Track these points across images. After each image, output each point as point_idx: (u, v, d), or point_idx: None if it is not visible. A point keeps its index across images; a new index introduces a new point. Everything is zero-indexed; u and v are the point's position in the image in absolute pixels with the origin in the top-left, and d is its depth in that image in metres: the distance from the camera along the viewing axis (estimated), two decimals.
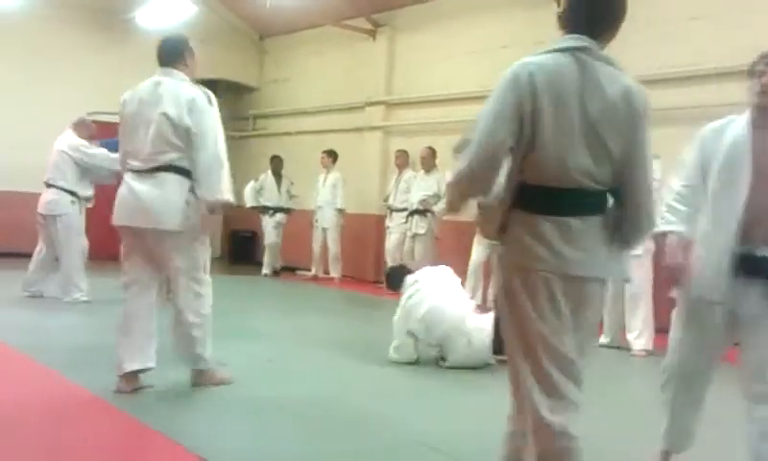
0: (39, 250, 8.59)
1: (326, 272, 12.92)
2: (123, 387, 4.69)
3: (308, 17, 13.55)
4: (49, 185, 8.44)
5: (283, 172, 13.37)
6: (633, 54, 9.55)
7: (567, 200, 2.60)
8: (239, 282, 12.37)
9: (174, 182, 4.66)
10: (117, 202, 4.80)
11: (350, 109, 13.16)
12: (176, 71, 4.87)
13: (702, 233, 3.42)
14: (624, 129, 2.59)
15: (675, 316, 3.63)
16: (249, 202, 13.19)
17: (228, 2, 14.96)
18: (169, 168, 4.66)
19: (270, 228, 13.25)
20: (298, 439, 4.16)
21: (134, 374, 4.75)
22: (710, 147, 3.45)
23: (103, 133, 8.98)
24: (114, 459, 3.84)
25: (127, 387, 4.70)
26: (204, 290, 4.93)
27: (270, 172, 13.33)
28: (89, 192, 8.58)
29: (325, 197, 12.62)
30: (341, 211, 12.51)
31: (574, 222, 2.60)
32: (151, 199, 4.63)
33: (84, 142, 8.50)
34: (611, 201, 2.67)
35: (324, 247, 12.80)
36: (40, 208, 8.46)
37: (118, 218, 4.78)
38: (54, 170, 8.41)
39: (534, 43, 10.53)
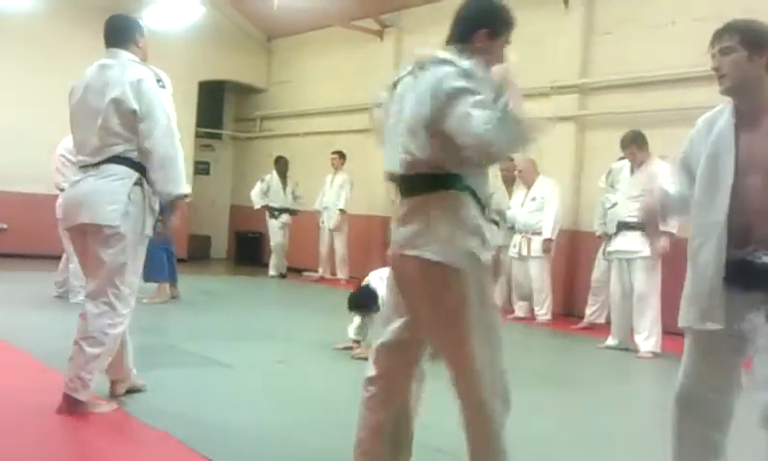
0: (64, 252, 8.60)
1: (333, 273, 12.92)
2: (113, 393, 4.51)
3: (315, 18, 13.54)
4: (61, 190, 8.44)
5: (288, 173, 13.37)
6: (645, 54, 9.58)
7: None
8: (245, 283, 12.39)
9: (117, 173, 4.18)
10: (60, 201, 4.45)
11: (358, 110, 13.13)
12: (124, 52, 4.37)
13: (690, 249, 3.00)
14: None
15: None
16: (256, 203, 13.21)
17: (235, 3, 14.96)
18: (114, 159, 4.19)
19: (275, 229, 13.26)
20: (311, 440, 4.14)
21: (113, 383, 4.54)
22: (698, 144, 3.03)
23: None
24: None
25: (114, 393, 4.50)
26: (119, 303, 4.23)
27: (275, 173, 13.33)
28: None
29: (332, 198, 12.64)
30: (343, 212, 12.51)
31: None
32: (89, 191, 4.18)
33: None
34: None
35: (331, 248, 12.82)
36: (57, 213, 8.48)
37: (62, 219, 4.41)
38: (58, 175, 8.41)
39: (535, 42, 10.53)
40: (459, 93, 2.75)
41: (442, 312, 2.91)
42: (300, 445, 4.05)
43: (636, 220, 7.04)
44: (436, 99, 2.79)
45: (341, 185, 12.54)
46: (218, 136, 16.63)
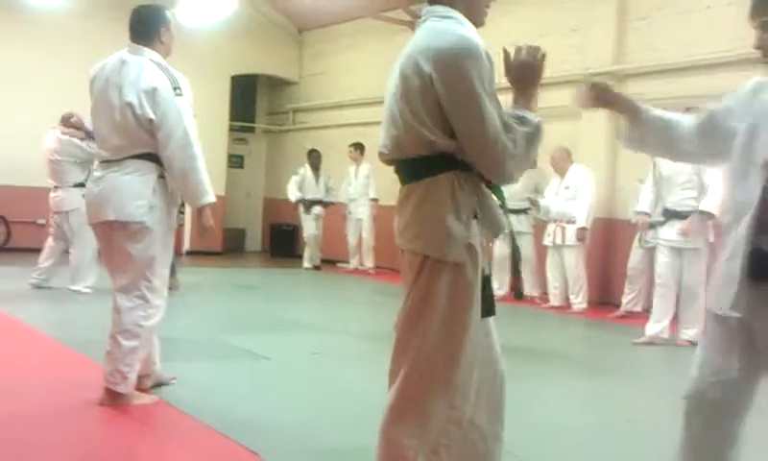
0: (50, 243, 8.74)
1: (362, 263, 13.02)
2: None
3: (346, 10, 13.55)
4: (56, 187, 8.62)
5: (321, 166, 13.41)
6: (680, 39, 9.48)
7: None
8: (280, 276, 12.46)
9: (139, 169, 4.14)
10: (86, 197, 4.42)
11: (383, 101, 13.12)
12: (146, 50, 4.24)
13: (723, 226, 2.77)
14: None
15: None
16: (292, 197, 13.28)
17: None
18: (136, 156, 4.15)
19: (309, 221, 13.32)
20: (348, 432, 4.14)
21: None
22: (737, 108, 2.73)
23: None
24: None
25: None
26: (152, 295, 4.24)
27: (308, 166, 13.38)
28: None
29: (358, 189, 12.71)
30: (374, 202, 12.55)
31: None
32: (113, 187, 4.14)
33: (74, 140, 8.47)
34: None
35: (360, 238, 12.91)
36: (52, 207, 8.64)
37: (88, 215, 4.37)
38: (52, 174, 8.58)
39: (570, 30, 10.45)
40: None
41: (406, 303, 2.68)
42: (337, 437, 4.06)
43: (685, 209, 7.00)
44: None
45: (366, 176, 12.58)
46: (251, 130, 16.71)
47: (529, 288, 9.87)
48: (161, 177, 4.21)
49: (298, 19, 15.61)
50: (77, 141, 8.45)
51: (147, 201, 4.14)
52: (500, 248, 9.74)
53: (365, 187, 12.63)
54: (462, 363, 2.58)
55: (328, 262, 13.53)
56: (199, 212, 4.34)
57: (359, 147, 12.73)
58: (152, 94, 4.09)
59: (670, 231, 7.31)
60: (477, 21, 2.70)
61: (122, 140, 4.16)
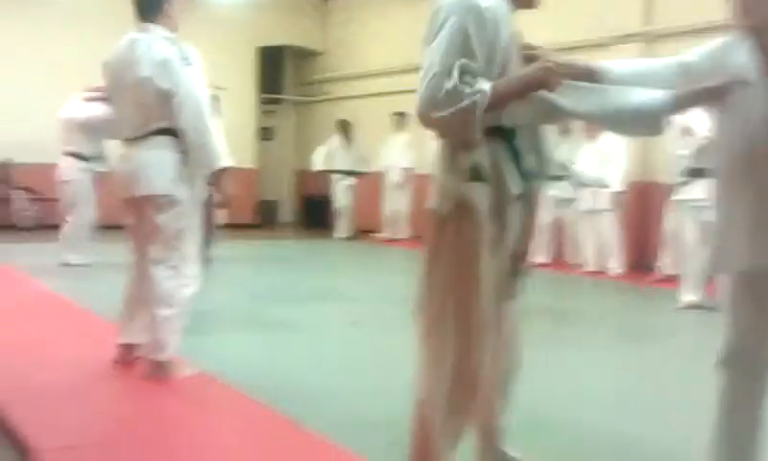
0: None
1: (397, 233, 12.97)
2: (119, 357, 4.55)
3: None
4: (62, 154, 8.78)
5: (352, 135, 13.37)
6: None
7: None
8: (314, 246, 12.49)
9: (162, 145, 4.29)
10: (116, 174, 4.56)
11: (416, 69, 13.02)
12: (153, 26, 4.36)
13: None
14: None
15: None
16: (318, 166, 13.28)
17: None
18: (156, 132, 4.29)
19: (341, 191, 13.32)
20: (390, 401, 4.14)
21: (129, 346, 4.56)
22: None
23: None
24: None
25: (123, 357, 4.55)
26: (184, 265, 4.38)
27: (338, 136, 13.34)
28: (100, 152, 8.73)
29: (395, 158, 12.62)
30: (409, 171, 12.50)
31: None
32: (141, 164, 4.29)
33: (84, 103, 8.43)
34: None
35: (396, 207, 12.86)
36: (60, 175, 8.83)
37: (118, 191, 4.50)
38: (61, 139, 8.72)
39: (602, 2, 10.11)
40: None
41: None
42: (376, 405, 4.07)
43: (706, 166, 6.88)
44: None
45: (403, 145, 12.51)
46: (279, 101, 16.70)
47: (543, 256, 9.87)
48: (182, 151, 4.31)
49: None
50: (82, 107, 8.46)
51: (172, 174, 4.29)
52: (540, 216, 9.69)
53: (403, 156, 12.55)
54: (467, 323, 2.56)
55: (361, 232, 13.54)
56: (216, 181, 4.50)
57: (401, 115, 12.63)
58: (163, 65, 4.22)
59: (693, 190, 7.18)
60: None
61: (141, 117, 4.29)
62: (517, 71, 2.57)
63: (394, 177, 12.77)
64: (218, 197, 4.62)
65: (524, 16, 2.64)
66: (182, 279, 4.36)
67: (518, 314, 2.86)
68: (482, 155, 2.54)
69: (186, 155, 4.33)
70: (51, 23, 12.77)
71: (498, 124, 2.55)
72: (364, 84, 14.72)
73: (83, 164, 8.71)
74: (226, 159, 4.43)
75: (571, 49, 10.21)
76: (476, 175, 2.53)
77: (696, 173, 7.16)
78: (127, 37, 4.40)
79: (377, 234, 13.29)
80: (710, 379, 2.70)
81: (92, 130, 8.35)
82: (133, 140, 4.35)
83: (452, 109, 2.40)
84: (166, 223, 4.30)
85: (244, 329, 5.95)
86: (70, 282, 7.53)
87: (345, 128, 13.38)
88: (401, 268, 10.15)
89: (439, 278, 2.59)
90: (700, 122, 6.62)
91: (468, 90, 2.39)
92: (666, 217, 8.62)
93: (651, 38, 9.89)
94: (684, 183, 7.34)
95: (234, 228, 13.06)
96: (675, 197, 7.70)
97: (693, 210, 7.22)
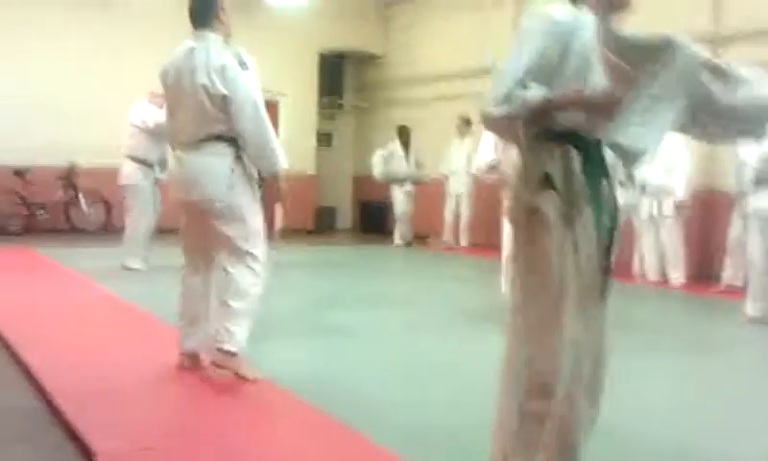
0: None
1: (458, 240, 12.89)
2: (183, 364, 4.61)
3: None
4: (126, 158, 8.95)
5: (411, 141, 13.34)
6: None
7: None
8: (372, 252, 12.50)
9: (217, 152, 4.39)
10: (170, 178, 4.68)
11: (478, 73, 12.96)
12: (208, 33, 4.48)
13: None
14: None
15: None
16: (377, 171, 13.25)
17: None
18: (213, 139, 4.39)
19: (400, 197, 13.30)
20: (448, 409, 4.13)
21: (193, 353, 4.62)
22: None
23: None
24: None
25: (187, 364, 4.61)
26: (256, 266, 4.48)
27: (397, 142, 13.32)
28: (163, 158, 8.85)
29: (460, 163, 12.55)
30: (474, 177, 12.38)
31: None
32: (195, 170, 4.41)
33: (152, 108, 8.66)
34: None
35: (457, 215, 12.79)
36: (121, 179, 9.02)
37: (172, 193, 4.65)
38: (127, 142, 8.90)
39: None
40: None
41: None
42: (435, 414, 4.04)
43: None
44: None
45: (468, 152, 12.40)
46: (339, 106, 16.76)
47: None
48: (237, 157, 4.42)
49: None
50: (150, 113, 8.70)
51: (226, 180, 4.38)
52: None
53: (466, 162, 12.46)
54: (538, 331, 2.58)
55: (420, 239, 13.50)
56: (274, 184, 4.56)
57: (465, 120, 12.56)
58: (221, 71, 4.32)
59: (761, 200, 7.00)
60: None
61: (199, 123, 4.39)
62: (601, 78, 2.59)
63: (457, 183, 12.68)
64: (273, 198, 4.70)
65: None
66: (256, 277, 4.46)
67: (606, 326, 2.80)
68: (554, 162, 2.58)
69: (242, 159, 4.44)
70: (114, 26, 13.00)
71: (571, 130, 2.58)
72: (425, 89, 14.69)
73: (146, 169, 8.86)
74: (284, 161, 4.52)
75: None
76: (547, 183, 2.57)
77: (763, 182, 6.99)
78: (184, 45, 4.53)
79: (436, 242, 13.24)
80: None
81: (158, 135, 8.47)
82: (190, 145, 4.44)
83: (501, 111, 2.50)
84: (226, 228, 4.40)
85: (302, 335, 5.96)
86: (131, 286, 7.63)
87: (404, 133, 13.35)
88: (460, 276, 10.12)
89: (516, 284, 2.67)
90: None
91: (518, 94, 2.48)
92: (731, 226, 8.44)
93: (719, 40, 9.69)
94: (751, 192, 7.16)
95: (293, 233, 13.17)
96: (741, 206, 7.53)
97: (760, 221, 7.05)
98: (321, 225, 15.37)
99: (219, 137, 4.40)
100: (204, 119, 4.37)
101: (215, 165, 4.39)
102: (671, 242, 9.11)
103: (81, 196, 12.77)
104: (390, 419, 3.95)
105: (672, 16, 9.78)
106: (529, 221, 2.59)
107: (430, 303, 7.59)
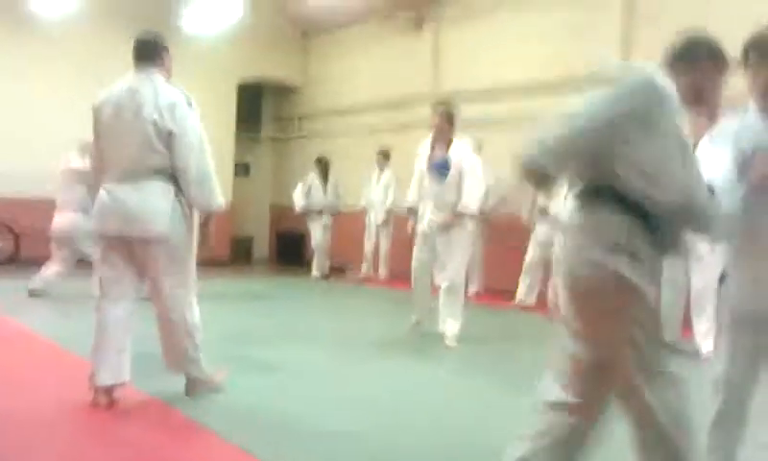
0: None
1: (376, 271, 12.90)
2: (98, 400, 4.49)
3: (351, 13, 13.48)
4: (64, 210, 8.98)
5: (330, 173, 13.31)
6: None
7: None
8: (289, 284, 12.37)
9: (158, 188, 4.47)
10: (98, 209, 4.62)
11: (398, 105, 13.07)
12: (154, 71, 4.61)
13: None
14: None
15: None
16: (299, 206, 13.18)
17: (270, 2, 14.94)
18: (152, 174, 4.47)
19: (317, 229, 13.24)
20: (368, 443, 4.09)
21: (109, 388, 4.52)
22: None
23: None
24: None
25: (102, 400, 4.49)
26: (192, 298, 4.69)
27: (316, 173, 13.29)
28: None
29: (378, 196, 12.59)
30: (391, 211, 12.43)
31: None
32: (135, 205, 4.46)
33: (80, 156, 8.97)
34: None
35: (376, 246, 12.81)
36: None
37: (101, 226, 4.61)
38: (64, 196, 8.97)
39: (579, 35, 10.39)
40: None
41: None
42: (365, 446, 4.00)
43: None
44: None
45: (387, 184, 12.44)
46: (257, 138, 16.66)
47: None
48: (176, 195, 4.52)
49: (302, 23, 15.56)
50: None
51: (168, 217, 4.47)
52: (532, 251, 9.81)
53: (384, 195, 12.49)
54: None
55: (337, 270, 13.45)
56: (206, 220, 4.73)
57: (385, 154, 12.60)
58: (172, 108, 4.45)
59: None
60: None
61: (139, 157, 4.46)
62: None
63: (377, 215, 12.70)
64: (203, 238, 4.78)
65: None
66: (192, 307, 4.67)
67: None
68: (620, 227, 2.61)
69: (179, 198, 4.52)
70: (24, 48, 12.64)
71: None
72: (344, 121, 14.72)
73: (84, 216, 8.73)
74: (222, 199, 4.70)
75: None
76: (616, 247, 2.59)
77: None
78: (124, 83, 4.60)
79: (354, 273, 13.20)
80: None
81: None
82: (126, 179, 4.48)
83: (527, 159, 2.62)
84: (165, 260, 4.51)
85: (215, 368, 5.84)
86: (39, 318, 7.39)
87: (322, 164, 13.32)
88: (379, 309, 10.11)
89: (587, 348, 2.70)
90: None
91: (548, 146, 2.60)
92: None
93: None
94: None
95: (207, 264, 12.93)
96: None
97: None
98: (237, 255, 15.18)
99: (157, 172, 4.46)
100: (146, 153, 4.43)
101: (157, 201, 4.46)
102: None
103: None
104: (317, 451, 3.89)
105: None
106: (599, 284, 2.60)
107: (349, 336, 7.53)
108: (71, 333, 6.46)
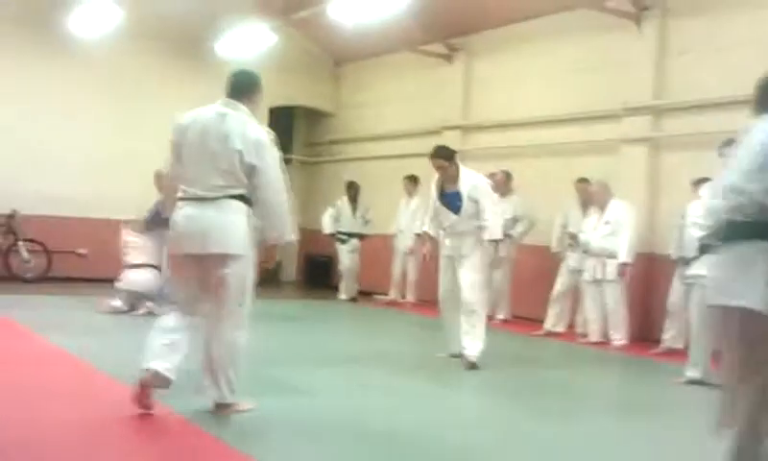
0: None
1: (404, 296, 12.95)
2: (146, 381, 4.60)
3: (384, 43, 13.60)
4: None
5: (359, 198, 13.41)
6: (720, 75, 9.38)
7: None
8: (317, 307, 12.44)
9: (236, 209, 4.72)
10: (176, 229, 4.77)
11: (427, 133, 13.14)
12: (242, 106, 4.91)
13: None
14: None
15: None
16: (327, 229, 13.30)
17: (303, 29, 15.10)
18: (230, 197, 4.72)
19: (345, 253, 13.33)
20: None
21: (155, 376, 4.61)
22: None
23: None
24: None
25: (149, 381, 4.60)
26: (245, 321, 4.92)
27: (345, 198, 13.40)
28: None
29: (407, 221, 12.66)
30: (419, 236, 12.47)
31: None
32: (214, 224, 4.68)
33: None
34: None
35: (404, 271, 12.89)
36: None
37: (179, 246, 4.78)
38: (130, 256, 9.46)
39: (609, 66, 10.46)
40: None
41: None
42: None
43: None
44: None
45: (415, 210, 12.50)
46: (288, 161, 16.77)
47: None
48: (249, 217, 4.78)
49: (335, 52, 15.73)
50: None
51: (244, 235, 4.74)
52: (562, 279, 9.80)
53: (413, 220, 12.54)
54: None
55: (365, 294, 13.51)
56: (271, 249, 4.96)
57: (413, 179, 12.67)
58: (257, 144, 4.74)
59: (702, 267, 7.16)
60: None
61: (221, 182, 4.70)
62: None
63: (405, 241, 12.76)
64: (266, 259, 5.05)
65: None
66: (243, 329, 4.87)
67: None
68: None
69: (251, 218, 4.77)
70: (64, 71, 12.92)
71: None
72: (374, 147, 14.85)
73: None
74: (294, 233, 4.99)
75: (586, 119, 10.45)
76: None
77: (705, 249, 7.13)
78: (214, 109, 4.85)
79: (380, 297, 13.25)
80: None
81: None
82: (206, 200, 4.69)
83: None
84: (236, 279, 4.72)
85: (253, 393, 5.89)
86: (72, 339, 7.49)
87: (352, 189, 13.41)
88: (407, 333, 10.15)
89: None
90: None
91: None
92: (671, 290, 8.62)
93: (659, 112, 10.01)
94: (694, 259, 7.30)
95: None
96: (681, 271, 7.70)
97: (699, 287, 7.17)
98: (265, 277, 15.23)
99: (234, 197, 4.70)
100: (230, 178, 4.68)
101: (236, 221, 4.71)
102: (613, 304, 9.27)
103: (21, 243, 12.53)
104: None
105: (615, 91, 10.10)
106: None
107: (378, 360, 7.57)
108: (103, 352, 6.55)
